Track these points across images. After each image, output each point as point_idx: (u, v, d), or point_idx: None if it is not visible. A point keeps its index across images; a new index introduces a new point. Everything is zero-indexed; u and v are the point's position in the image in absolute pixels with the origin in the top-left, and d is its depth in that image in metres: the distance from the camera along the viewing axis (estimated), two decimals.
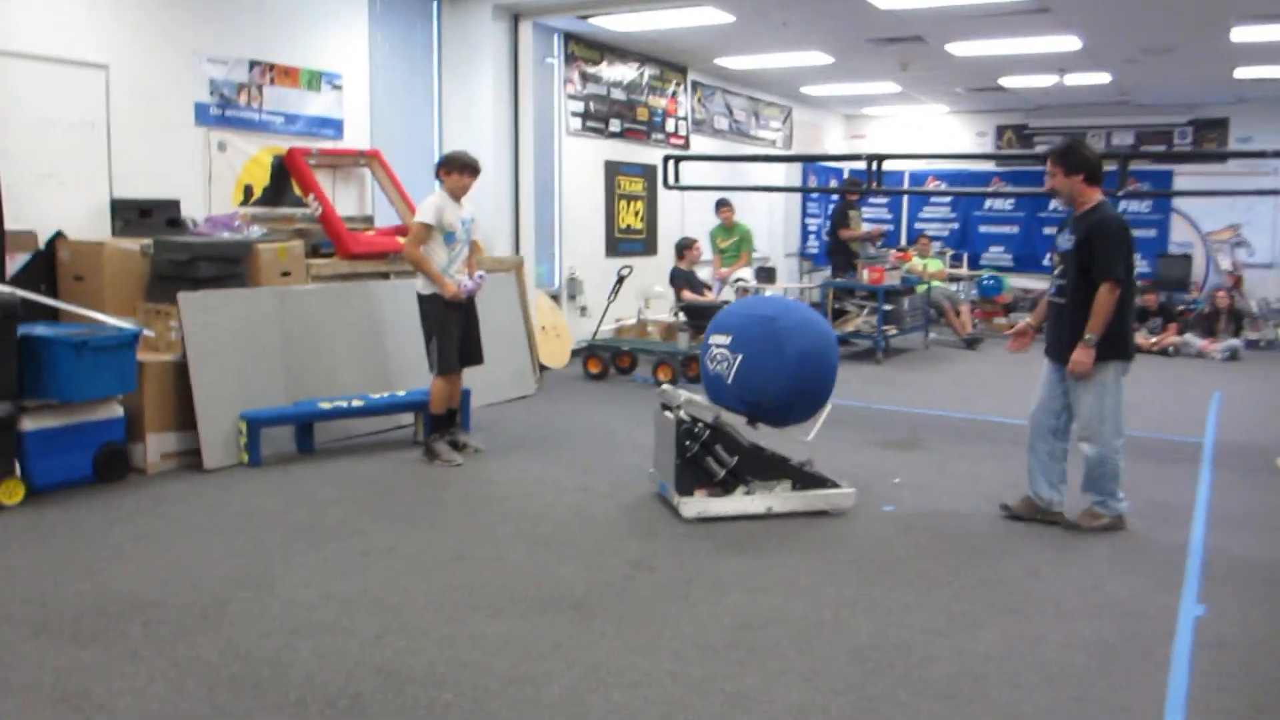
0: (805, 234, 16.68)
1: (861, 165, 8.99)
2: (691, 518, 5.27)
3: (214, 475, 6.10)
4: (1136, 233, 15.44)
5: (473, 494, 5.81)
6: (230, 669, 3.51)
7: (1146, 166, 14.54)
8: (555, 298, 11.13)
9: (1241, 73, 12.10)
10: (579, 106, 11.35)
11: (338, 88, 8.54)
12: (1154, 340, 12.54)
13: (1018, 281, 15.42)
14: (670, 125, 13.03)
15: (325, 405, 6.70)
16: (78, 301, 6.12)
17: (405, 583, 4.36)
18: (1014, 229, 16.05)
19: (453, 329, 6.42)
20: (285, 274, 7.14)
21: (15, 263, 6.29)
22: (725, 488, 5.40)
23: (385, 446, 6.92)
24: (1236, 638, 3.88)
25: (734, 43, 11.37)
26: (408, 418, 7.32)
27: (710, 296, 10.78)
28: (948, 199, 16.56)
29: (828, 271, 13.66)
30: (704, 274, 11.49)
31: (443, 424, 6.60)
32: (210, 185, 7.54)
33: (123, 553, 4.69)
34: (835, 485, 5.55)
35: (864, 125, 17.77)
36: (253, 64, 7.79)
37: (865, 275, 11.69)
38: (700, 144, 13.57)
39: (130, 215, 6.84)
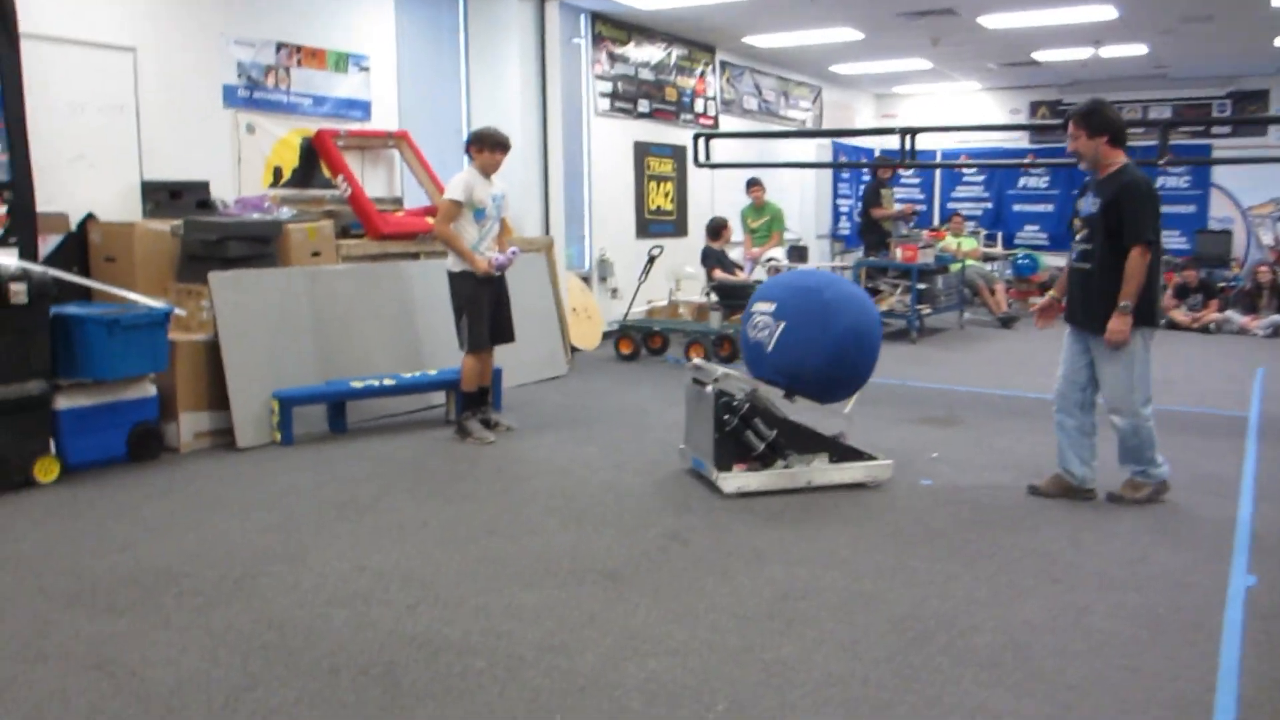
0: (837, 215, 16.52)
1: (894, 142, 8.88)
2: (732, 493, 5.18)
3: (247, 454, 6.10)
4: (1175, 209, 15.13)
5: (505, 471, 5.77)
6: (263, 638, 3.49)
7: (1185, 140, 14.28)
8: (586, 279, 11.08)
9: None
10: (607, 87, 11.28)
11: (365, 69, 8.51)
12: (1194, 317, 12.32)
13: (1053, 260, 15.19)
14: (699, 105, 12.92)
15: (357, 384, 6.68)
16: (109, 283, 6.13)
17: (438, 556, 4.33)
18: (1049, 207, 15.83)
19: (483, 306, 6.38)
20: (315, 254, 7.13)
21: (48, 245, 6.31)
22: (764, 462, 5.30)
23: (417, 426, 6.90)
24: None
25: (762, 19, 11.25)
26: (439, 397, 7.30)
27: (742, 276, 10.68)
28: (981, 178, 16.35)
29: (860, 252, 13.51)
30: (735, 254, 11.39)
31: (474, 402, 6.57)
32: (239, 167, 7.54)
33: (156, 527, 4.69)
34: (872, 457, 5.46)
35: (895, 104, 17.56)
36: (280, 46, 7.78)
37: (898, 254, 11.55)
38: (729, 124, 13.46)
39: (160, 197, 6.84)
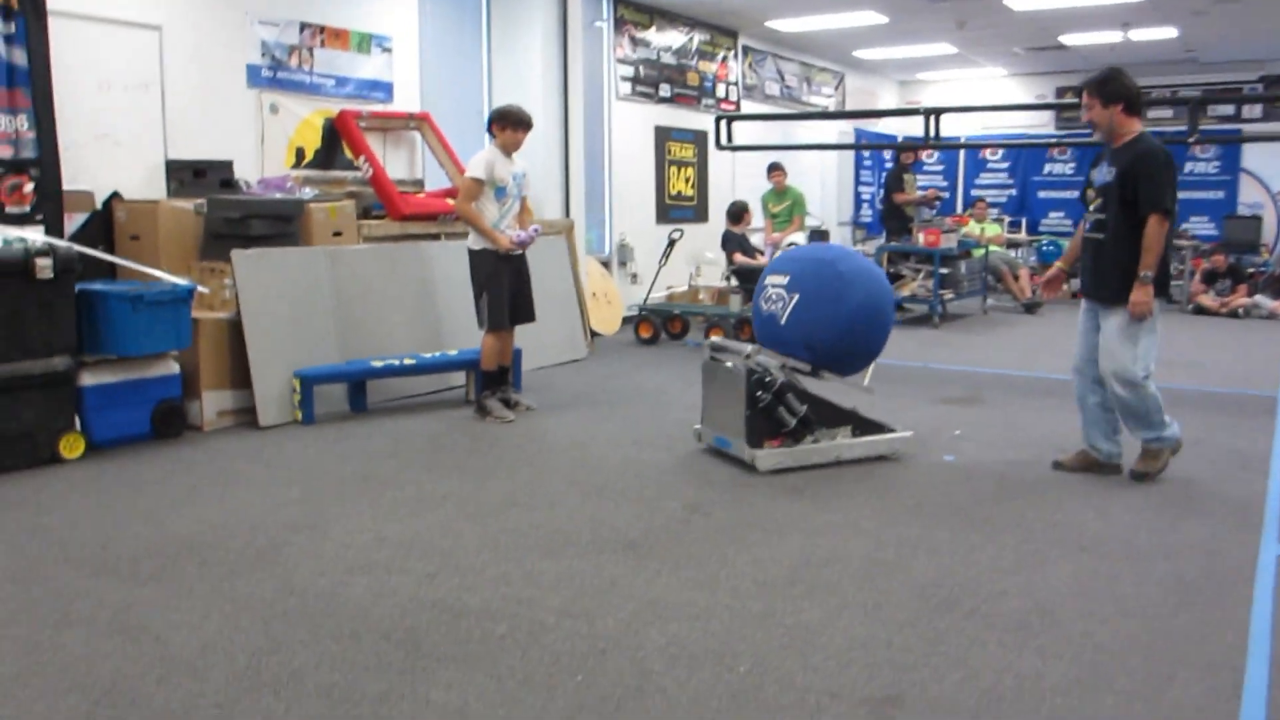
0: (858, 202, 16.41)
1: (918, 124, 8.81)
2: (768, 470, 5.12)
3: (269, 432, 6.11)
4: (1204, 194, 14.91)
5: (525, 448, 5.76)
6: (285, 604, 3.49)
7: (1214, 125, 14.09)
8: (606, 264, 11.05)
9: None
10: (629, 71, 11.24)
11: (388, 50, 8.51)
12: (1223, 302, 12.17)
13: None
14: (721, 90, 12.87)
15: (377, 363, 6.69)
16: (134, 261, 6.15)
17: (459, 527, 4.33)
18: (1074, 194, 15.64)
19: (503, 284, 6.36)
20: (337, 234, 7.14)
21: (73, 223, 6.34)
22: (795, 437, 5.25)
23: (437, 406, 6.91)
24: None
25: (786, 2, 11.17)
26: (459, 378, 7.29)
27: (762, 261, 10.62)
28: (1005, 165, 16.21)
29: (881, 239, 13.42)
30: (755, 240, 11.33)
31: (494, 381, 6.56)
32: (262, 147, 7.55)
33: (180, 501, 4.71)
34: (891, 430, 5.43)
35: (919, 91, 17.42)
36: (303, 26, 7.79)
37: (921, 239, 11.46)
38: (751, 110, 13.38)
39: (184, 176, 6.87)
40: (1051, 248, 14.58)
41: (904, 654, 3.10)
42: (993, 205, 15.10)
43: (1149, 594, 3.55)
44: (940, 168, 16.67)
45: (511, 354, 6.70)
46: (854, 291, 5.21)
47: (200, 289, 6.01)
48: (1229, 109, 14.61)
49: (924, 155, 16.11)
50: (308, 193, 7.22)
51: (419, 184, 8.72)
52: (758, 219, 11.42)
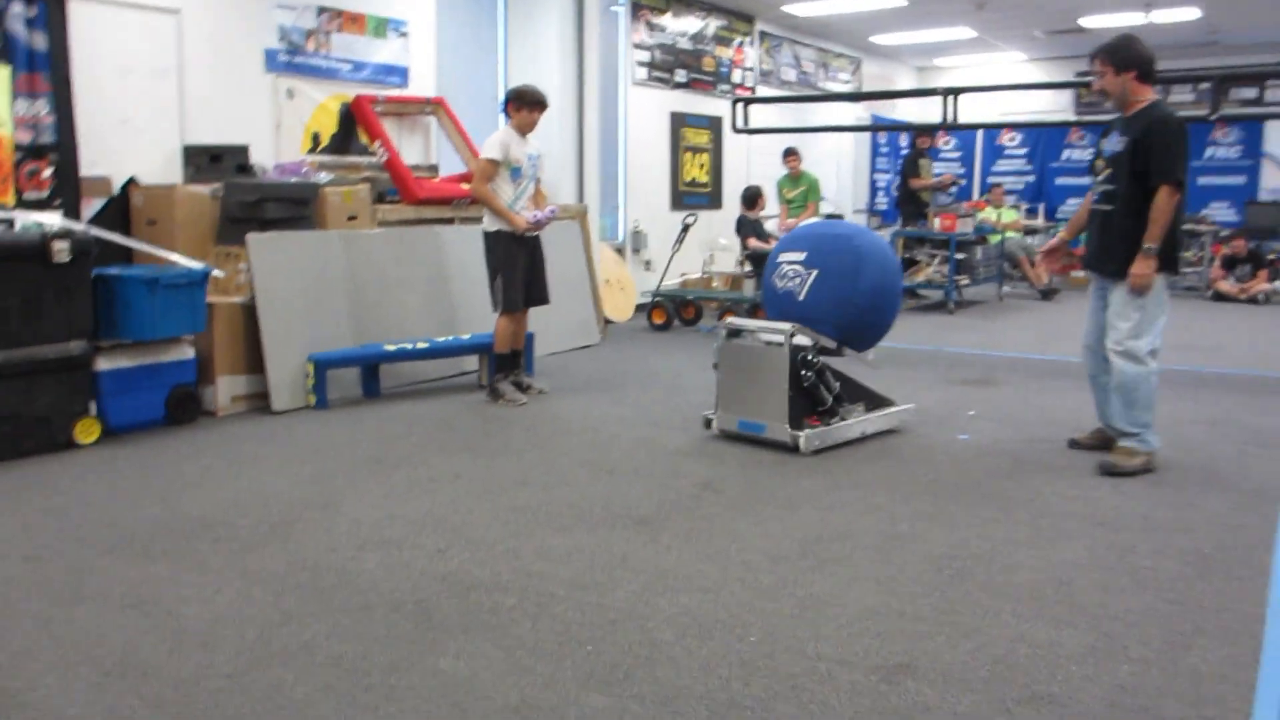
0: (874, 189, 16.32)
1: (936, 106, 8.73)
2: (812, 450, 5.05)
3: (282, 417, 6.13)
4: (1225, 180, 14.72)
5: (538, 429, 5.76)
6: (297, 578, 3.49)
7: (1235, 111, 13.92)
8: (620, 251, 11.04)
9: None
10: (645, 56, 11.21)
11: (404, 35, 8.51)
12: (1242, 288, 12.05)
13: None
14: (737, 76, 12.82)
15: (391, 347, 6.69)
16: (150, 246, 6.17)
17: (470, 504, 4.32)
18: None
19: (518, 266, 6.35)
20: (352, 218, 7.15)
21: (91, 208, 6.38)
22: (829, 416, 5.20)
23: (450, 390, 6.91)
24: None
25: None
26: (472, 363, 7.30)
27: None
28: (1023, 151, 16.08)
29: (897, 226, 13.34)
30: (770, 226, 11.29)
31: (507, 364, 6.55)
32: (278, 132, 7.57)
33: (193, 482, 4.73)
34: (893, 404, 5.45)
35: (936, 77, 17.30)
36: (321, 10, 7.79)
37: (937, 224, 11.39)
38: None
39: (201, 161, 6.89)
40: None
41: (916, 624, 3.08)
42: (1010, 192, 14.98)
43: (1166, 566, 3.51)
44: (958, 154, 16.55)
45: (525, 337, 6.69)
46: (870, 267, 5.20)
47: (216, 272, 6.02)
48: (1252, 92, 14.42)
49: (941, 141, 16.00)
50: (323, 177, 7.23)
51: (434, 169, 8.73)
52: (772, 205, 11.38)
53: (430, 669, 2.82)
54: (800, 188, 11.50)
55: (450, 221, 7.90)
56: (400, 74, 8.51)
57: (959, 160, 16.62)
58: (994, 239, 12.40)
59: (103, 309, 5.54)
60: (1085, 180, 15.38)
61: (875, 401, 5.38)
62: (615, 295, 10.24)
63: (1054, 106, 16.01)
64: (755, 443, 5.22)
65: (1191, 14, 12.24)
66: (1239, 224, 13.78)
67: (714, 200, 12.52)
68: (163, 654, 2.93)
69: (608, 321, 9.63)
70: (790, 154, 11.42)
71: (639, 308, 10.60)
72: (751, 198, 10.43)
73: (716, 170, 12.61)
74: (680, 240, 10.34)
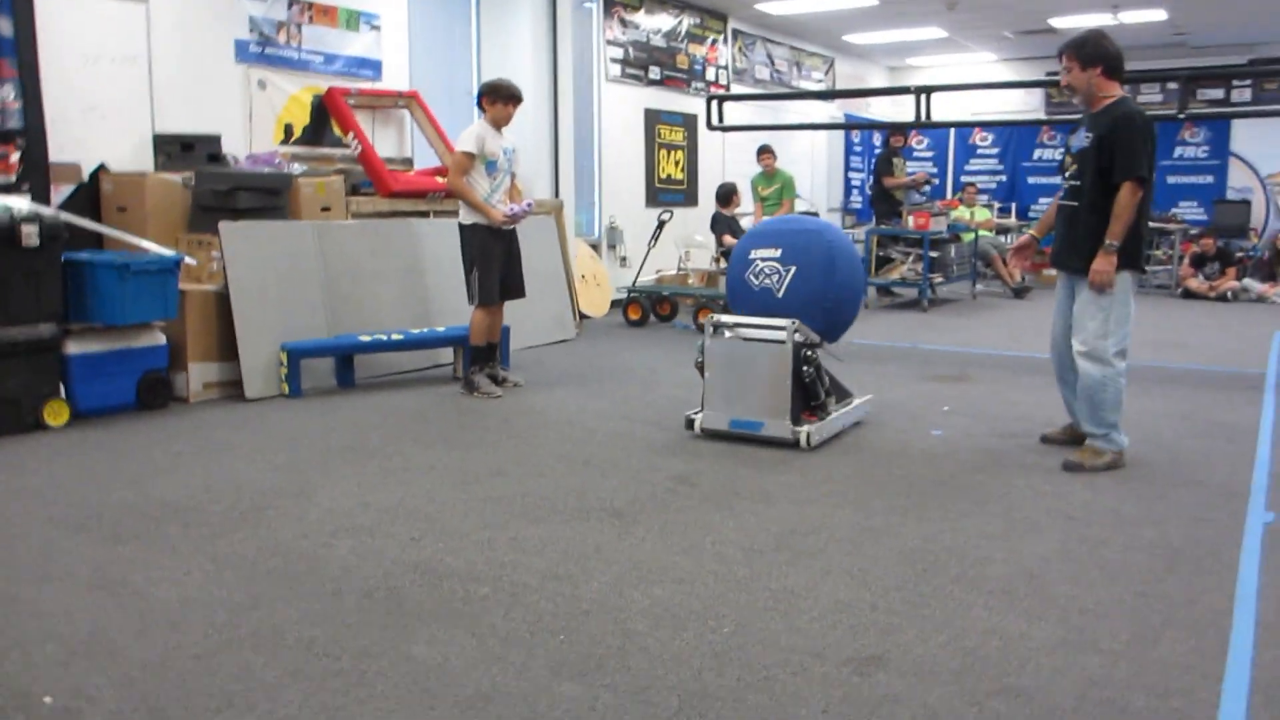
0: (849, 188, 16.40)
1: (909, 104, 8.77)
2: (815, 446, 5.04)
3: (255, 404, 6.09)
4: (1193, 179, 14.80)
5: (513, 421, 5.74)
6: (268, 564, 3.47)
7: (1202, 111, 14.10)
8: (595, 247, 11.02)
9: None
10: (618, 53, 11.20)
11: (376, 28, 8.46)
12: (1211, 285, 12.20)
13: None
14: (711, 74, 12.83)
15: (365, 338, 6.66)
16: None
17: (444, 494, 4.31)
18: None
19: (494, 259, 6.32)
20: (325, 209, 7.11)
21: (60, 194, 6.31)
22: (822, 410, 5.21)
23: (425, 382, 6.88)
24: None
25: None
26: (447, 355, 7.27)
27: None
28: (995, 151, 16.21)
29: (871, 224, 13.41)
30: (745, 223, 11.30)
31: (482, 357, 6.53)
32: (250, 123, 7.51)
33: (164, 466, 4.69)
34: (853, 396, 5.56)
35: (908, 77, 17.39)
36: (291, 2, 7.74)
37: (911, 222, 11.45)
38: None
39: (172, 150, 6.82)
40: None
41: (888, 616, 3.09)
42: (983, 191, 15.10)
43: (1136, 560, 3.54)
44: (930, 153, 16.66)
45: (500, 330, 6.67)
46: (843, 262, 5.23)
47: (188, 260, 5.97)
48: (1219, 93, 14.61)
49: (914, 141, 16.10)
50: (296, 169, 7.17)
51: (408, 162, 8.68)
52: (747, 202, 11.39)
53: (402, 655, 2.80)
54: (775, 185, 11.50)
55: (425, 215, 7.86)
56: (373, 67, 8.46)
57: (932, 160, 16.74)
58: (967, 237, 12.49)
59: (73, 293, 5.50)
60: (1056, 180, 15.60)
61: (841, 394, 5.43)
62: (591, 291, 10.22)
63: (1025, 106, 16.15)
64: (730, 438, 5.22)
65: (1158, 15, 12.37)
66: (1207, 223, 13.95)
67: (689, 197, 12.52)
68: (130, 634, 2.90)
69: (583, 317, 9.61)
70: (765, 151, 11.42)
71: (614, 303, 10.59)
72: (726, 195, 10.45)
73: (691, 167, 12.62)
74: (656, 237, 10.34)
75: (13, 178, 5.97)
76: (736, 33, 13.30)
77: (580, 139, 10.48)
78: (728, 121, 10.44)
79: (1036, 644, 2.90)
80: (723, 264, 9.98)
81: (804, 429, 5.05)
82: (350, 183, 7.66)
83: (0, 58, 5.94)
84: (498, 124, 6.33)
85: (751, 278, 5.33)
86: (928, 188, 13.38)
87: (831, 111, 15.31)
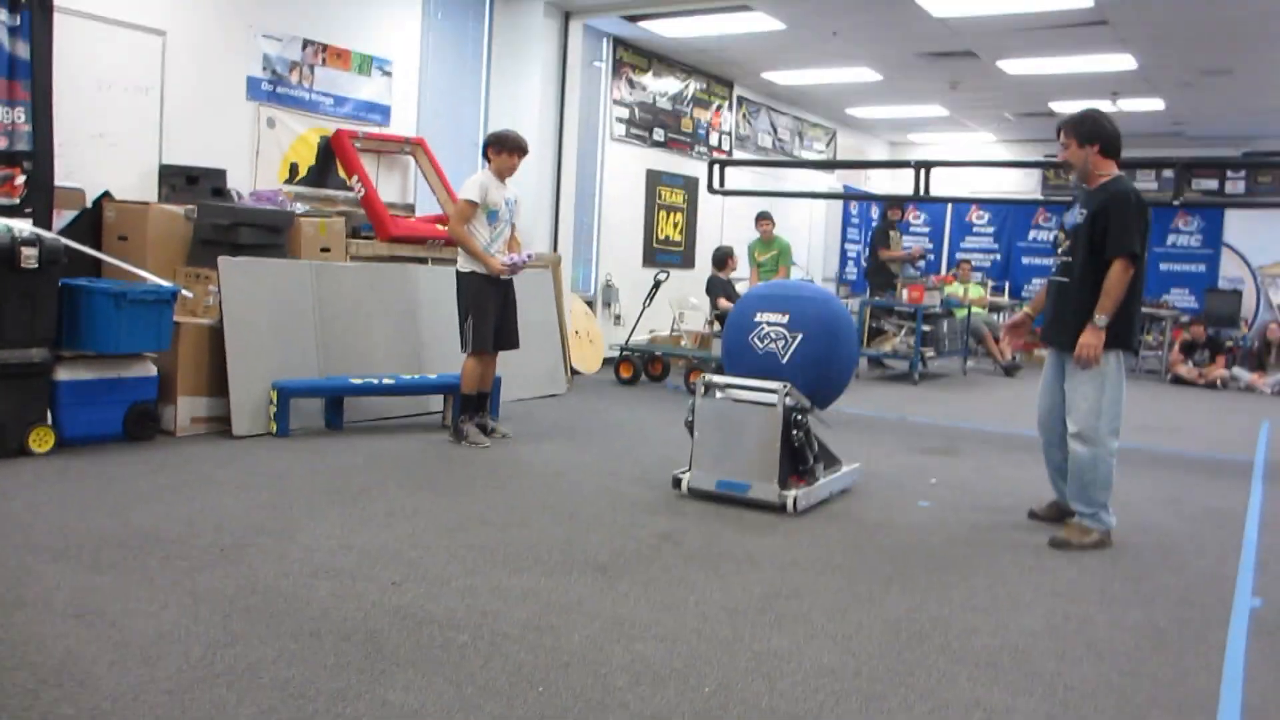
0: (844, 259, 16.54)
1: (908, 178, 8.87)
2: (804, 510, 5.01)
3: (242, 441, 6.05)
4: (1185, 267, 14.94)
5: (500, 471, 5.71)
6: (246, 601, 3.42)
7: (1196, 199, 14.30)
8: (590, 304, 11.06)
9: None
10: (624, 113, 11.34)
11: (388, 74, 8.57)
12: (1200, 373, 12.27)
13: None
14: (714, 139, 12.99)
15: (357, 380, 6.64)
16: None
17: (428, 540, 4.27)
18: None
19: (489, 308, 6.33)
20: (325, 250, 7.13)
21: (62, 219, 6.32)
22: (810, 475, 5.18)
23: (414, 429, 6.85)
24: None
25: (782, 54, 11.34)
26: (437, 403, 7.25)
27: None
28: (991, 229, 16.39)
29: (866, 295, 13.50)
30: (740, 288, 11.37)
31: (472, 406, 6.50)
32: (257, 160, 7.57)
33: (147, 497, 4.64)
34: (841, 463, 5.53)
35: (909, 152, 17.62)
36: (306, 43, 7.84)
37: (905, 294, 11.53)
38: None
39: (177, 181, 6.86)
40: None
41: (872, 684, 3.06)
42: (977, 268, 15.22)
43: (1123, 638, 3.52)
44: (927, 229, 16.83)
45: (492, 380, 6.66)
46: (844, 332, 5.30)
47: (184, 293, 5.97)
48: (1213, 184, 14.83)
49: (911, 215, 16.27)
50: (299, 208, 7.22)
51: (410, 208, 8.74)
52: (743, 267, 11.48)
53: (378, 699, 2.76)
54: (772, 252, 11.59)
55: (424, 261, 7.89)
56: (382, 112, 8.56)
57: (928, 235, 16.91)
58: (960, 313, 12.57)
59: (67, 319, 5.48)
60: (1050, 261, 15.74)
61: (829, 460, 5.41)
62: (584, 347, 10.24)
63: (1022, 188, 16.37)
64: (716, 499, 5.19)
65: (1156, 105, 12.60)
66: (1198, 311, 14.08)
67: (686, 260, 12.61)
68: (103, 665, 2.85)
69: (575, 372, 9.62)
70: (763, 218, 11.54)
71: (606, 361, 10.60)
72: (722, 258, 10.53)
73: (690, 230, 12.72)
74: (651, 296, 10.39)
75: (16, 200, 5.98)
76: (741, 100, 13.50)
77: (581, 195, 10.57)
78: (728, 186, 10.55)
79: (1021, 718, 2.86)
80: (717, 327, 10.01)
81: (791, 493, 5.02)
82: (351, 225, 7.70)
83: (14, 80, 5.99)
84: (502, 174, 6.38)
85: (756, 340, 5.27)
86: (923, 262, 13.50)
87: (831, 182, 15.50)
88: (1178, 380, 12.31)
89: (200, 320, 6.21)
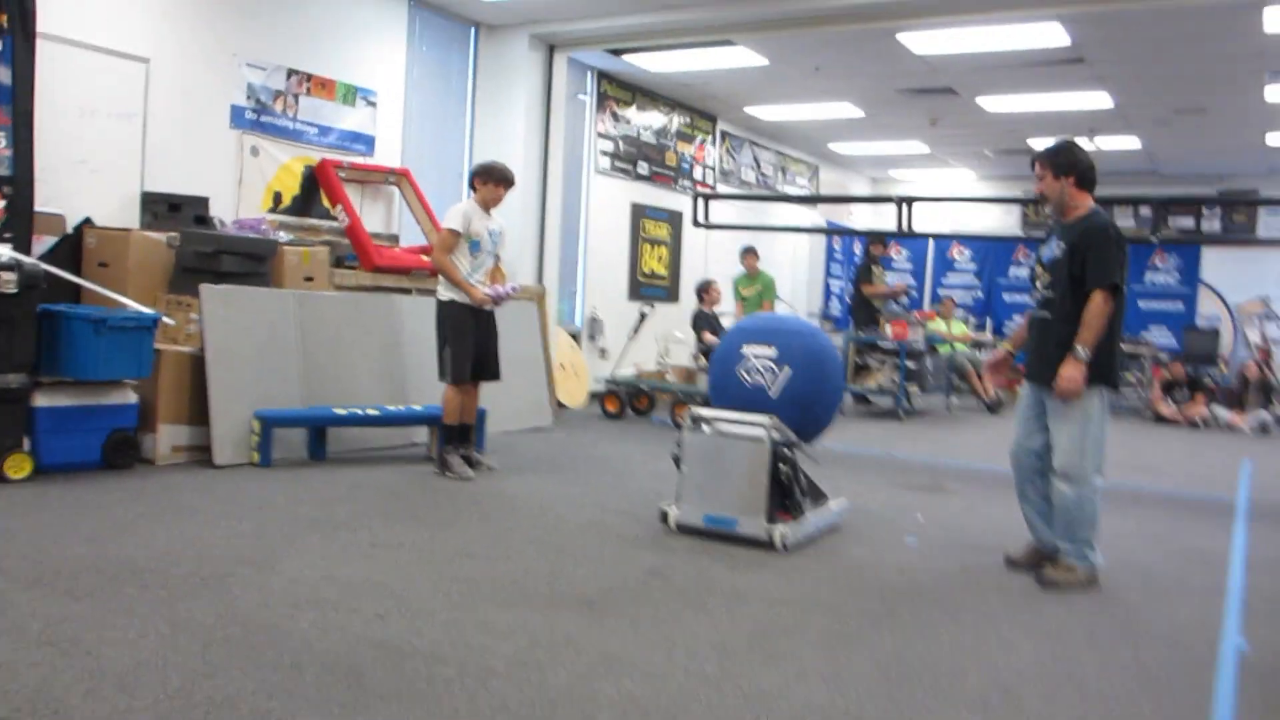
0: (828, 295, 16.60)
1: (891, 213, 8.94)
2: (792, 546, 4.95)
3: (223, 471, 5.98)
4: (1163, 305, 15.04)
5: (485, 503, 5.66)
6: (225, 631, 3.36)
7: (1174, 236, 14.46)
8: (575, 337, 11.04)
9: (1275, 139, 12.07)
10: (608, 146, 11.39)
11: (372, 104, 8.57)
12: (1180, 411, 12.33)
13: None
14: (698, 173, 13.05)
15: (340, 411, 6.58)
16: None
17: (412, 572, 4.21)
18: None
19: (468, 337, 6.28)
20: (308, 279, 7.09)
21: (42, 245, 6.26)
22: (797, 511, 5.12)
23: (398, 460, 6.80)
24: None
25: (765, 89, 11.43)
26: (421, 434, 7.20)
27: None
28: (972, 267, 16.50)
29: (850, 330, 13.53)
30: (724, 322, 11.38)
31: (456, 437, 6.45)
32: (240, 188, 7.55)
33: (125, 525, 4.58)
34: (828, 499, 5.49)
35: (891, 188, 17.76)
36: (291, 72, 7.84)
37: (889, 330, 11.56)
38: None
39: (159, 209, 6.82)
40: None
41: None
42: (959, 305, 15.31)
43: (1111, 679, 3.49)
44: (909, 265, 16.92)
45: (474, 411, 6.61)
46: (831, 367, 5.30)
47: (166, 320, 5.92)
48: (1189, 221, 14.99)
49: (893, 251, 16.36)
50: (282, 236, 7.18)
51: (394, 239, 8.72)
52: (727, 301, 11.49)
53: None
54: (756, 286, 11.61)
55: (408, 291, 7.86)
56: (366, 142, 8.55)
57: (910, 271, 16.98)
58: (943, 349, 12.60)
59: (46, 345, 5.43)
60: (1029, 297, 15.85)
61: (817, 495, 5.38)
62: (569, 380, 10.21)
63: (1002, 226, 16.51)
64: (703, 534, 5.15)
65: (1133, 143, 12.77)
66: (1178, 349, 14.17)
67: (671, 293, 12.63)
68: (78, 694, 2.79)
69: (560, 406, 9.58)
70: (748, 252, 11.57)
71: (592, 395, 10.57)
72: (702, 289, 10.51)
73: (675, 264, 12.75)
74: (636, 330, 10.38)
75: None
76: (725, 134, 13.58)
77: (566, 228, 10.58)
78: (713, 220, 10.60)
79: None
80: (702, 361, 10.00)
81: (778, 529, 4.97)
82: (335, 255, 7.67)
83: None
84: (487, 205, 6.37)
85: (743, 374, 5.25)
86: (905, 299, 13.55)
87: (814, 218, 15.59)
88: (1158, 418, 12.37)
89: (182, 348, 6.15)
